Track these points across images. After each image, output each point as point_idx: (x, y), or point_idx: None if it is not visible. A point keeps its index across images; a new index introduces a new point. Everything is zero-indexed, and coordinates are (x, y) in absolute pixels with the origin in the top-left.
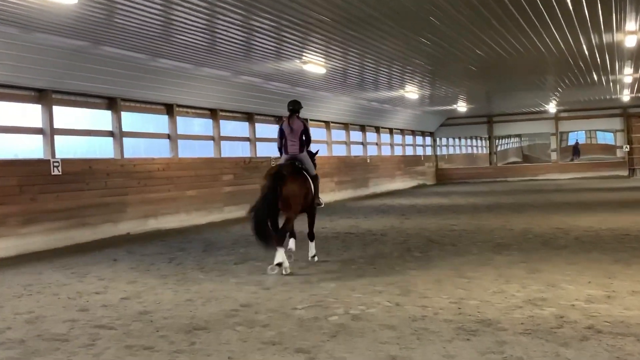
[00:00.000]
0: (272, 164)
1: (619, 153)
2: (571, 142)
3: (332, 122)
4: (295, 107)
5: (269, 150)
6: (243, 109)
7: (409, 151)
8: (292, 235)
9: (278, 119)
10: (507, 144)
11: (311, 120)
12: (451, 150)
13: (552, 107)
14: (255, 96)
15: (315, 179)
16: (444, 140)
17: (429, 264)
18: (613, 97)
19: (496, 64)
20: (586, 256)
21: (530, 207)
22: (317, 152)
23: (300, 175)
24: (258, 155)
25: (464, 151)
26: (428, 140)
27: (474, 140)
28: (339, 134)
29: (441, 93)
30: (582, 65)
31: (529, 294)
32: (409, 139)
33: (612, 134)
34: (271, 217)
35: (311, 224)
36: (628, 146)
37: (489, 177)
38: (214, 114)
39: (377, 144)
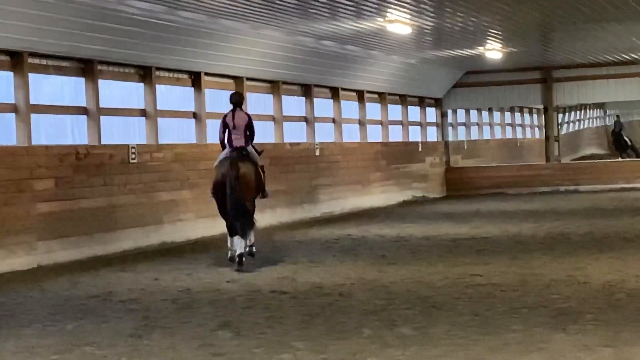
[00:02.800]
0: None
1: None
2: None
3: (247, 79)
4: (238, 99)
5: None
6: None
7: (396, 134)
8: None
9: None
10: (579, 121)
11: (207, 75)
12: (474, 134)
13: None
14: None
15: (263, 170)
16: (460, 115)
17: (430, 353)
18: None
19: None
20: None
21: (621, 242)
22: (262, 152)
23: (252, 163)
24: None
25: (497, 135)
26: (431, 113)
27: (516, 115)
28: (259, 102)
29: (456, 24)
30: None
31: None
32: (394, 111)
33: None
34: (242, 203)
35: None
36: None
37: (545, 185)
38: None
39: (334, 120)
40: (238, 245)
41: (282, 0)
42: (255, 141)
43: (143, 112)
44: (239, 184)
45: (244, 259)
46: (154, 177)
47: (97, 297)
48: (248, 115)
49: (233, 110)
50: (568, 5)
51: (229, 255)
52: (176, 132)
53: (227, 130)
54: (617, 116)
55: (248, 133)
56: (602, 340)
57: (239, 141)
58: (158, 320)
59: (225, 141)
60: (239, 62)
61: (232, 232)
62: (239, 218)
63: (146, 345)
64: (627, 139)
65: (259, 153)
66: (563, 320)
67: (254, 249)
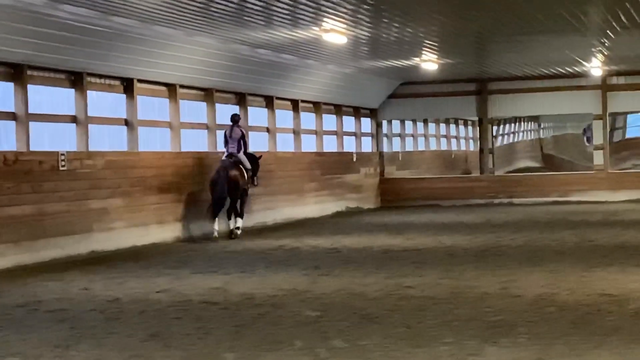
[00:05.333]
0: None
1: None
2: (633, 131)
3: (181, 87)
4: (236, 119)
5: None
6: None
7: (330, 144)
8: (237, 214)
9: None
10: (514, 133)
11: (140, 82)
12: (409, 145)
13: (595, 68)
14: None
15: (248, 170)
16: (395, 126)
17: None
18: None
19: None
20: None
21: (555, 255)
22: (260, 157)
23: (238, 166)
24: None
25: (432, 147)
26: (366, 124)
27: (451, 127)
28: (192, 110)
29: (392, 35)
30: None
31: None
32: (329, 120)
33: None
34: (223, 196)
35: (242, 204)
36: None
37: (480, 197)
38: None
39: (268, 129)
40: (216, 226)
41: (217, 8)
42: (195, 149)
43: (74, 119)
44: (225, 182)
45: (231, 233)
46: (85, 184)
47: (23, 307)
48: (242, 131)
49: (231, 126)
50: (504, 17)
51: (213, 235)
52: (107, 139)
53: (225, 140)
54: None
55: (242, 143)
56: (533, 353)
57: (232, 149)
58: (86, 331)
59: (224, 148)
60: (172, 69)
61: (213, 216)
62: (220, 205)
63: (73, 355)
64: None
65: (258, 158)
66: (495, 333)
67: (239, 232)
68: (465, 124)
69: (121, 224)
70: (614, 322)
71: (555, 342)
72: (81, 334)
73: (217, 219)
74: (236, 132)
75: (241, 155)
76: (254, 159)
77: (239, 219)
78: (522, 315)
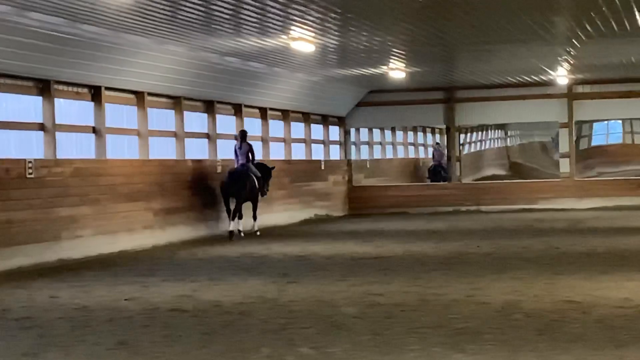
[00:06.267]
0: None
1: None
2: (597, 140)
3: (149, 94)
4: (243, 135)
5: None
6: None
7: (299, 152)
8: (240, 216)
9: None
10: (481, 141)
11: (108, 90)
12: (377, 153)
13: (562, 76)
14: None
15: (259, 178)
16: (363, 134)
17: None
18: None
19: None
20: (618, 354)
21: (521, 262)
22: (273, 167)
23: (246, 175)
24: None
25: (400, 154)
26: (334, 132)
27: (419, 135)
28: (160, 118)
29: (360, 43)
30: None
31: None
32: (297, 129)
33: None
34: (229, 197)
35: (254, 209)
36: None
37: (447, 205)
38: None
39: (236, 137)
40: (233, 225)
41: (186, 16)
42: (164, 157)
43: (41, 126)
44: (232, 186)
45: (234, 234)
46: (52, 192)
47: None
48: (249, 145)
49: (240, 141)
50: (471, 26)
51: (239, 232)
52: (75, 147)
53: (235, 153)
54: (437, 144)
55: (250, 155)
56: None
57: (242, 160)
58: (53, 339)
59: (234, 159)
60: (140, 76)
61: (230, 216)
62: (229, 204)
63: None
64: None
65: (271, 168)
66: (462, 340)
67: (242, 234)
68: (433, 132)
69: (89, 232)
70: (579, 329)
71: (521, 349)
72: (49, 342)
73: (236, 219)
74: (244, 146)
75: (251, 165)
76: (266, 168)
77: (255, 222)
78: (488, 322)
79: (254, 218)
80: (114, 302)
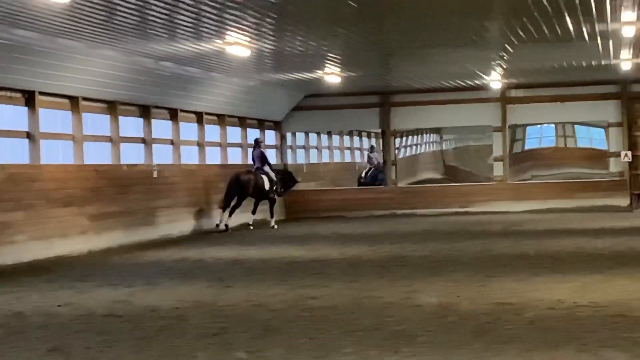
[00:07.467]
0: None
1: (613, 165)
2: (530, 144)
3: (83, 99)
4: (257, 142)
5: None
6: None
7: (235, 157)
8: (231, 213)
9: None
10: (416, 145)
11: (42, 95)
12: (313, 158)
13: (495, 81)
14: None
15: (272, 180)
16: (299, 138)
17: None
18: (603, 63)
19: None
20: (551, 355)
21: (455, 265)
22: (298, 181)
23: (254, 175)
24: None
25: (337, 159)
26: (270, 136)
27: (355, 139)
28: (95, 123)
29: (295, 47)
30: (547, 4)
31: None
32: (234, 133)
33: (600, 129)
34: (232, 195)
35: (271, 207)
36: (629, 153)
37: (383, 208)
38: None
39: (172, 142)
40: (223, 216)
41: (120, 20)
42: (99, 162)
43: None
44: (236, 185)
45: (220, 227)
46: None
47: None
48: (262, 152)
49: (254, 148)
50: (405, 30)
51: (216, 223)
52: (9, 152)
53: (252, 158)
54: (372, 147)
55: (262, 159)
56: None
57: (257, 164)
58: None
59: (252, 163)
60: (74, 81)
61: (224, 208)
62: (230, 201)
63: None
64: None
65: (296, 180)
66: (396, 343)
67: (228, 230)
68: (369, 136)
69: (23, 237)
70: (513, 331)
71: (455, 351)
72: None
73: (227, 213)
74: (257, 152)
75: (266, 168)
76: (291, 177)
77: (272, 219)
78: (423, 324)
79: (271, 215)
80: (48, 308)
